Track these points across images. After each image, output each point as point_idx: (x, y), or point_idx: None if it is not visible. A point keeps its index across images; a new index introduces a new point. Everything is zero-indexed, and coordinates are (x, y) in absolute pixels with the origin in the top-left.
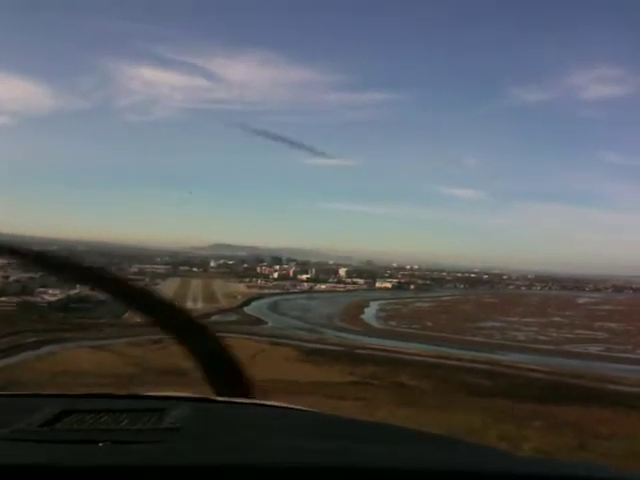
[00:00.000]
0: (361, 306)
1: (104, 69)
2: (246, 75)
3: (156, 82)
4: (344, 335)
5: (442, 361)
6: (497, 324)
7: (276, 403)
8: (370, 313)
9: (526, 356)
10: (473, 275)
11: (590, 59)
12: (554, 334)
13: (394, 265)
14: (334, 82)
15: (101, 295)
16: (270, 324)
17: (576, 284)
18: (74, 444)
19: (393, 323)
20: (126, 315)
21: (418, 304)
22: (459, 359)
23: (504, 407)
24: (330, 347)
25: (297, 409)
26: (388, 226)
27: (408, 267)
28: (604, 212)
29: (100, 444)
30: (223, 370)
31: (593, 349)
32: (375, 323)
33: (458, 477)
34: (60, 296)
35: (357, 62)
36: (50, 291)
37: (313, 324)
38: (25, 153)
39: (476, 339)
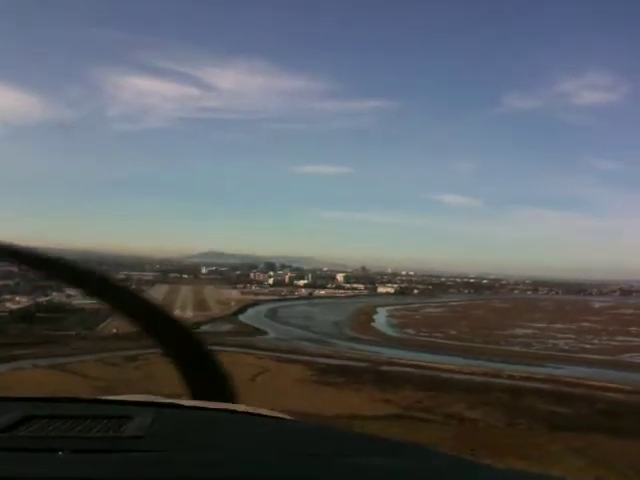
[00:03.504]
0: (368, 312)
1: (94, 79)
2: (237, 83)
3: (147, 91)
4: (360, 347)
5: (493, 380)
6: (527, 331)
7: (247, 409)
8: (381, 320)
9: (585, 369)
10: (472, 280)
11: (580, 66)
12: (596, 341)
13: (389, 271)
14: (326, 90)
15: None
16: (271, 335)
17: (580, 288)
18: (33, 452)
19: (411, 331)
20: (100, 327)
21: (428, 309)
22: (511, 376)
23: (610, 449)
24: (349, 363)
25: (269, 416)
26: (381, 233)
27: (403, 273)
28: (596, 218)
29: (60, 453)
30: (207, 379)
31: None
32: (390, 331)
33: None
34: (26, 304)
35: (349, 70)
36: (17, 298)
37: (321, 334)
38: (15, 163)
39: (515, 349)
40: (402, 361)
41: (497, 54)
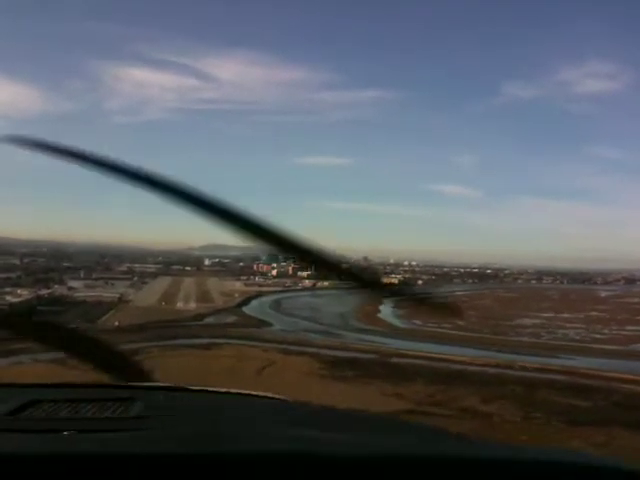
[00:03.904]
0: (374, 303)
1: (93, 71)
2: (237, 74)
3: (146, 83)
4: (367, 338)
5: (506, 372)
6: (535, 321)
7: (249, 392)
8: (387, 310)
9: (598, 360)
10: (475, 270)
11: (582, 55)
12: (606, 331)
13: (391, 261)
14: (325, 81)
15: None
16: (276, 326)
17: (584, 277)
18: (40, 433)
19: (418, 322)
20: (102, 319)
21: None
22: (524, 368)
23: (633, 444)
24: (357, 355)
25: (270, 397)
26: (382, 224)
27: (406, 263)
28: (599, 207)
29: (65, 433)
30: (108, 360)
31: None
32: (397, 322)
33: (427, 463)
34: (27, 297)
35: (348, 61)
36: (19, 291)
37: (326, 325)
38: (15, 156)
39: (524, 340)
40: (412, 353)
41: (497, 43)
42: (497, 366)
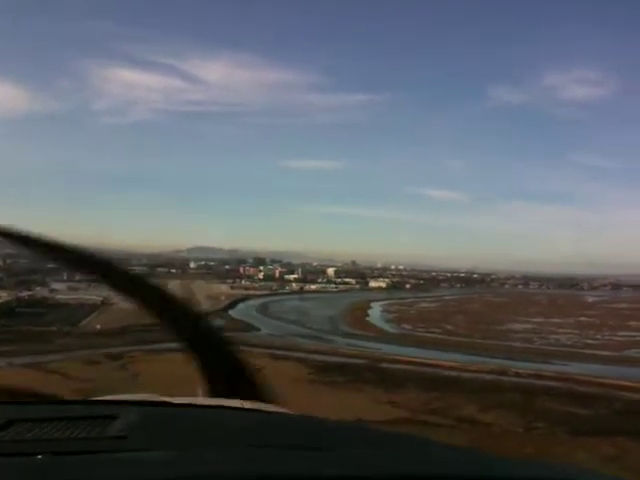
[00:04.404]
0: (363, 307)
1: (80, 71)
2: (224, 76)
3: (133, 84)
4: (357, 343)
5: (501, 378)
6: (526, 326)
7: (242, 404)
8: (376, 315)
9: (593, 366)
10: (462, 275)
11: (569, 60)
12: (598, 337)
13: (378, 265)
14: (314, 83)
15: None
16: (264, 330)
17: (570, 283)
18: (11, 457)
19: (407, 326)
20: (83, 322)
21: (423, 304)
22: (518, 374)
23: None
24: (347, 360)
25: (262, 410)
26: (370, 228)
27: (393, 267)
28: (586, 212)
29: (39, 456)
30: (227, 376)
31: None
32: (387, 327)
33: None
34: (7, 299)
35: (337, 63)
36: None
37: (315, 330)
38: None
39: (516, 345)
40: (403, 358)
41: (485, 48)
42: (491, 372)
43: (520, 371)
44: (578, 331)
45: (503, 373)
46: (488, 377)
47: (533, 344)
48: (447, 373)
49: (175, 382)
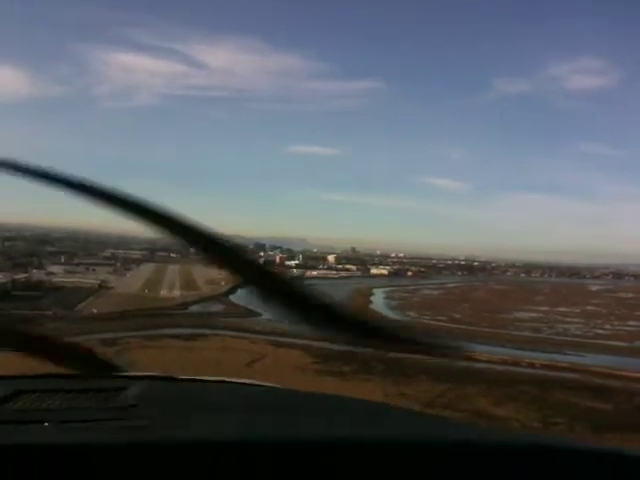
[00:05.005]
0: (365, 294)
1: (82, 56)
2: (228, 61)
3: (135, 68)
4: None
5: (513, 369)
6: (532, 314)
7: (244, 380)
8: (379, 302)
9: (607, 357)
10: (463, 262)
11: (572, 50)
12: (608, 326)
13: (378, 253)
14: (318, 70)
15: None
16: (265, 316)
17: (571, 271)
18: (20, 424)
19: (412, 314)
20: (80, 306)
21: (426, 291)
22: (531, 364)
23: None
24: (352, 348)
25: (259, 385)
26: (369, 215)
27: (393, 255)
28: (585, 202)
29: (46, 424)
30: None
31: None
32: (391, 314)
33: (416, 448)
34: (2, 280)
35: (341, 51)
36: None
37: None
38: (1, 140)
39: (525, 334)
40: None
41: (489, 38)
42: (503, 363)
43: (533, 362)
44: (586, 320)
45: (515, 364)
46: (500, 368)
47: (542, 333)
48: (458, 363)
49: (170, 370)
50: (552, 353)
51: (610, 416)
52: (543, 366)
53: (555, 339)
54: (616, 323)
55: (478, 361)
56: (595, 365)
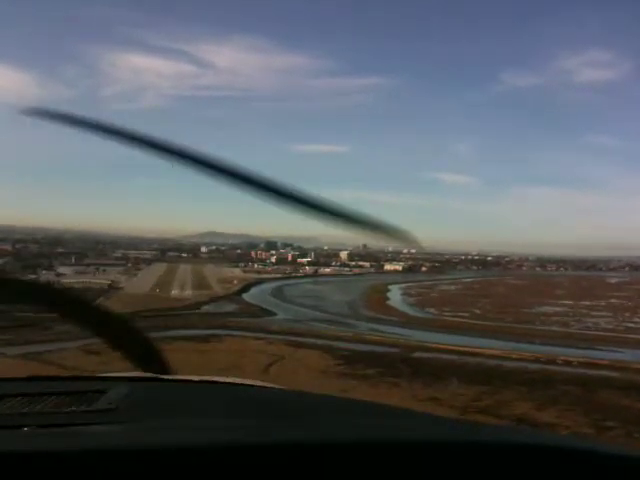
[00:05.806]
0: (381, 290)
1: (90, 57)
2: (234, 61)
3: (143, 69)
4: (381, 328)
5: (549, 368)
6: (556, 309)
7: (233, 380)
8: (396, 298)
9: None
10: (476, 257)
11: (581, 43)
12: (637, 319)
13: (389, 249)
14: (323, 68)
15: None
16: (280, 315)
17: (587, 265)
18: (1, 429)
19: (432, 310)
20: None
21: (443, 287)
22: (568, 363)
23: None
24: (375, 348)
25: (246, 384)
26: (379, 211)
27: (405, 251)
28: (597, 195)
29: (25, 429)
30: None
31: None
32: (411, 311)
33: (416, 448)
34: None
35: (347, 48)
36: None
37: (335, 314)
38: (10, 143)
39: (554, 329)
40: (435, 346)
41: (497, 31)
42: (537, 361)
43: (569, 359)
44: (612, 314)
45: (550, 362)
46: (534, 366)
47: (570, 328)
48: (488, 362)
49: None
50: (586, 349)
51: None
52: (581, 364)
53: (587, 334)
54: None
55: (509, 359)
56: (636, 361)
